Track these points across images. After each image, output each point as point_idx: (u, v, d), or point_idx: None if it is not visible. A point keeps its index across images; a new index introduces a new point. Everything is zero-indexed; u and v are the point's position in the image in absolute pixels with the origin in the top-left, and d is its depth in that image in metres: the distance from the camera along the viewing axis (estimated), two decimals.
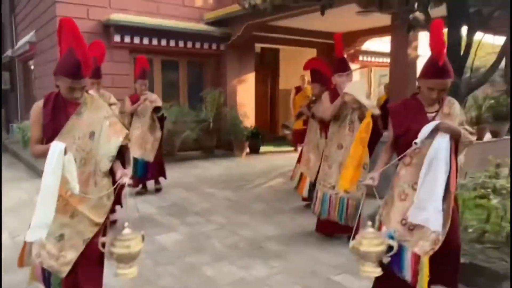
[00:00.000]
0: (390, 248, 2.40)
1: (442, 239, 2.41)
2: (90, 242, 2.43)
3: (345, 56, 12.29)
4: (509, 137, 6.69)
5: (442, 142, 2.44)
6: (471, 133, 2.59)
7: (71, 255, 2.40)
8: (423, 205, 2.46)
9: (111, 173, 2.47)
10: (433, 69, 2.48)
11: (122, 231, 2.27)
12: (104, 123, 2.46)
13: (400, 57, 5.99)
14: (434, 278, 2.47)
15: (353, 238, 2.44)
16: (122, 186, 2.41)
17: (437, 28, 2.49)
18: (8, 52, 12.54)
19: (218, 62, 9.69)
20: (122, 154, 2.54)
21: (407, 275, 2.50)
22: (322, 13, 5.30)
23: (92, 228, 2.44)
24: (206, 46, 9.24)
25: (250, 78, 10.00)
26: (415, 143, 2.44)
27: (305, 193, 5.07)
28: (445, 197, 2.46)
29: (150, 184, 5.96)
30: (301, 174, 5.16)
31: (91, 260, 2.46)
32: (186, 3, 9.06)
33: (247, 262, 3.57)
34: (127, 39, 8.20)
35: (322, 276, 3.32)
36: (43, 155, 2.27)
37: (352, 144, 3.20)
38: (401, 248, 2.50)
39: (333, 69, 4.15)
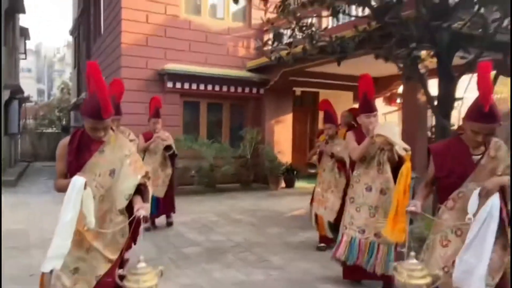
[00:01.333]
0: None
1: None
2: (102, 279, 2.47)
3: (382, 98, 12.85)
4: None
5: (491, 205, 2.32)
6: None
7: None
8: (469, 270, 2.33)
9: (131, 208, 2.49)
10: (479, 113, 2.40)
11: (137, 264, 2.26)
12: (125, 161, 2.53)
13: (410, 102, 6.60)
14: None
15: None
16: (139, 223, 2.38)
17: (484, 72, 2.41)
18: (83, 95, 14.54)
19: (258, 104, 10.74)
20: (141, 191, 2.56)
21: None
22: (339, 64, 6.15)
23: (105, 264, 2.49)
24: (247, 90, 10.37)
25: (287, 119, 10.92)
26: (469, 218, 2.33)
27: (328, 233, 5.00)
28: (499, 244, 2.39)
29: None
30: (316, 215, 5.16)
31: None
32: (230, 53, 10.33)
33: (250, 270, 4.31)
34: (178, 85, 9.53)
35: (311, 284, 3.97)
36: (65, 189, 2.33)
37: (398, 191, 3.17)
38: None
39: (360, 109, 4.01)
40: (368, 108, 3.87)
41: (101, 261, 2.47)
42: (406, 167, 3.20)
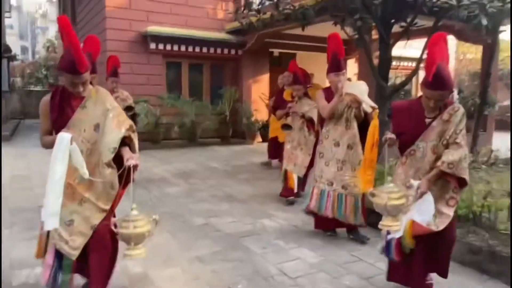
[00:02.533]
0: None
1: (433, 231, 2.60)
2: (98, 228, 2.53)
3: (354, 59, 13.62)
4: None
5: (428, 199, 2.58)
6: (458, 145, 2.60)
7: (80, 241, 2.51)
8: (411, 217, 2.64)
9: (119, 161, 2.50)
10: (427, 81, 2.57)
11: (131, 212, 2.33)
12: (108, 115, 2.53)
13: (363, 66, 7.49)
14: (430, 266, 2.75)
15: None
16: (129, 171, 2.44)
17: (431, 43, 2.62)
18: None
19: (236, 65, 11.50)
20: (127, 144, 2.56)
21: (392, 250, 2.75)
22: (303, 29, 6.94)
23: (98, 214, 2.54)
24: (226, 51, 11.09)
25: (264, 79, 11.73)
26: (411, 184, 2.62)
27: (295, 188, 5.34)
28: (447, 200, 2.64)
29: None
30: (286, 172, 5.43)
31: (101, 245, 2.56)
32: (209, 16, 10.95)
33: (219, 204, 5.34)
34: (160, 46, 10.22)
35: (266, 212, 5.02)
36: (51, 145, 2.41)
37: (367, 146, 3.39)
38: (390, 237, 2.75)
39: (329, 68, 4.05)
40: (336, 67, 3.94)
41: (94, 211, 2.53)
42: (373, 124, 3.35)
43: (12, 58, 16.22)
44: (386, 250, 2.82)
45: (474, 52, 18.80)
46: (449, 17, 5.72)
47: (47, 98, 2.56)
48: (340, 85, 3.89)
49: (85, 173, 2.36)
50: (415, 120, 2.73)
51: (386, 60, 5.69)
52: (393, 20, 5.78)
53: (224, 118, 10.87)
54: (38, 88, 21.03)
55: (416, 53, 6.83)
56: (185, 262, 3.46)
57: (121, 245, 2.48)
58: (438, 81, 2.53)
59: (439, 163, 2.58)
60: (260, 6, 7.10)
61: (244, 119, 10.95)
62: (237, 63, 11.49)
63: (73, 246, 2.50)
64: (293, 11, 6.75)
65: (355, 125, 3.97)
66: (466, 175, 2.60)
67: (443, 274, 2.82)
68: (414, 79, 14.37)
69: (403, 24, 5.76)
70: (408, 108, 2.84)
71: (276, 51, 12.63)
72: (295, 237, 4.16)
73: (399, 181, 2.76)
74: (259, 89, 11.58)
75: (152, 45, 10.12)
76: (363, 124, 3.86)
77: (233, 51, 11.19)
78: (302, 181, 5.34)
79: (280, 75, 7.75)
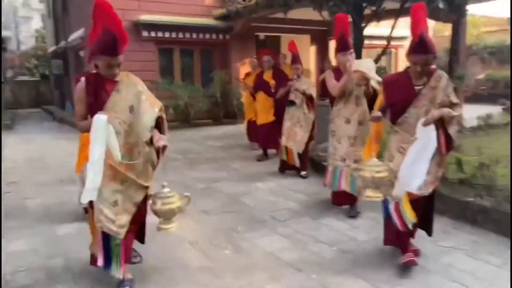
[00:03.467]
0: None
1: (426, 194, 2.85)
2: (140, 204, 2.70)
3: None
4: None
5: (427, 137, 2.75)
6: (455, 105, 2.82)
7: (125, 218, 2.64)
8: (406, 183, 2.80)
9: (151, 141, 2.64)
10: (413, 46, 2.78)
11: (162, 189, 2.51)
12: (141, 97, 2.63)
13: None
14: (420, 225, 3.03)
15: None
16: (158, 152, 2.62)
17: (413, 11, 2.83)
18: (62, 43, 15.45)
19: (225, 49, 12.12)
20: (158, 123, 2.70)
21: (397, 222, 2.94)
22: (285, 14, 7.62)
23: (141, 191, 2.68)
24: (214, 36, 11.69)
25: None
26: (415, 137, 2.75)
27: (296, 161, 5.61)
28: (436, 161, 2.84)
29: None
30: (286, 148, 5.66)
31: (142, 218, 2.83)
32: (197, 3, 11.50)
33: (217, 173, 6.10)
34: (152, 34, 10.80)
35: (260, 176, 5.80)
36: (88, 129, 2.50)
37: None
38: (387, 203, 2.96)
39: (337, 48, 4.16)
40: (344, 46, 4.04)
41: (137, 188, 2.66)
42: (380, 99, 3.39)
43: (4, 49, 16.56)
44: (387, 216, 3.03)
45: (439, 30, 19.59)
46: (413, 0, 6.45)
47: (82, 84, 2.64)
48: (349, 64, 3.97)
49: (118, 155, 2.45)
50: (405, 89, 2.91)
51: (359, 40, 6.43)
52: (364, 5, 6.50)
53: (215, 100, 11.56)
54: (28, 78, 21.31)
55: (386, 32, 7.54)
56: (194, 214, 4.23)
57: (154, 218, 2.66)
58: (423, 45, 2.74)
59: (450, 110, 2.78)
60: None
61: (235, 100, 11.63)
62: (226, 47, 12.11)
63: (120, 224, 2.61)
64: None
65: (364, 102, 4.05)
66: (455, 138, 2.88)
67: (430, 231, 3.17)
68: (388, 58, 15.17)
69: (373, 7, 6.49)
70: (397, 80, 3.03)
71: (261, 35, 13.25)
72: (283, 194, 4.96)
73: (392, 148, 2.98)
74: (247, 71, 12.23)
75: (145, 33, 10.69)
76: (372, 100, 3.89)
77: (221, 36, 11.80)
78: (302, 158, 5.62)
79: (247, 59, 8.35)
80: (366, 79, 3.81)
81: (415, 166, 2.79)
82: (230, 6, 8.26)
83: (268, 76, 6.76)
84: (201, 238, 3.71)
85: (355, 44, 6.53)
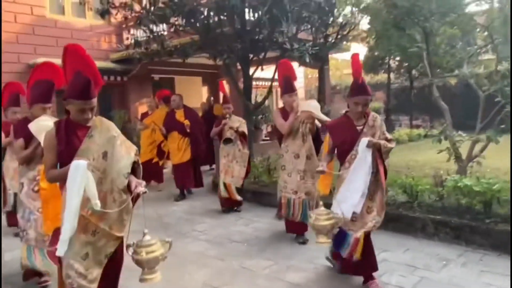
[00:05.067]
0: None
1: (378, 225, 3.18)
2: (112, 256, 2.59)
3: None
4: None
5: (365, 154, 3.10)
6: (390, 140, 3.26)
7: (97, 272, 2.53)
8: (344, 199, 3.15)
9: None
10: (356, 88, 3.18)
11: (143, 237, 2.42)
12: (115, 142, 2.55)
13: (233, 90, 9.70)
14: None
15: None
16: (138, 196, 2.54)
17: (355, 60, 3.30)
18: None
19: (123, 90, 12.81)
20: (134, 168, 2.61)
21: (345, 253, 3.25)
22: (183, 61, 8.78)
23: (113, 242, 2.58)
24: (112, 78, 12.34)
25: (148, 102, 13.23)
26: (355, 151, 3.12)
27: (236, 197, 5.86)
28: (378, 191, 3.17)
29: None
30: (225, 184, 5.87)
31: (116, 267, 2.69)
32: (94, 47, 12.09)
33: None
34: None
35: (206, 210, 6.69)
36: (61, 177, 2.42)
37: (324, 155, 3.62)
38: (346, 235, 3.23)
39: (283, 90, 4.52)
40: (290, 88, 4.47)
41: (108, 239, 2.55)
42: (328, 136, 3.60)
43: None
44: (338, 247, 3.34)
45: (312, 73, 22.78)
46: (288, 54, 8.21)
47: (52, 132, 2.53)
48: (295, 104, 4.38)
49: (97, 203, 2.35)
50: (348, 131, 3.27)
51: (247, 85, 7.93)
52: (251, 56, 8.06)
53: None
54: None
55: (269, 74, 9.22)
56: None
57: (135, 268, 2.51)
58: (364, 87, 3.20)
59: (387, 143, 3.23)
60: (146, 39, 8.64)
61: (135, 138, 12.27)
62: (124, 88, 12.80)
63: (91, 279, 2.50)
64: (175, 48, 8.60)
65: (310, 138, 4.44)
66: (387, 159, 3.29)
67: (375, 267, 3.39)
68: (271, 98, 17.35)
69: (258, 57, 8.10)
70: (341, 123, 3.39)
71: (156, 76, 14.24)
72: (198, 212, 5.96)
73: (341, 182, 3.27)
74: (145, 110, 13.03)
75: None
76: (316, 136, 4.48)
77: (119, 78, 12.49)
78: (239, 191, 5.91)
79: (145, 99, 9.03)
80: (312, 118, 4.27)
81: (351, 183, 3.15)
82: (132, 51, 9.14)
83: (179, 115, 6.96)
84: None
85: (245, 85, 8.03)
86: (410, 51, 5.82)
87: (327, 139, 3.56)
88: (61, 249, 2.41)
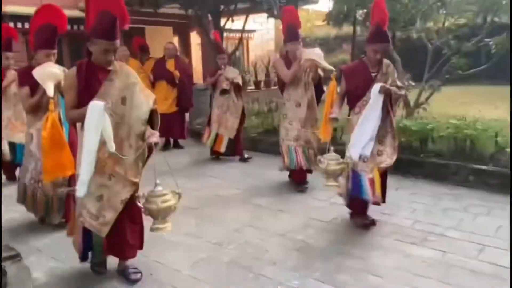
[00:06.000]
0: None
1: (388, 165, 3.31)
2: (129, 201, 2.53)
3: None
4: None
5: (377, 100, 3.19)
6: (400, 88, 3.34)
7: (110, 215, 2.49)
8: (354, 142, 3.27)
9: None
10: (377, 35, 3.20)
11: (155, 188, 2.41)
12: (134, 88, 2.53)
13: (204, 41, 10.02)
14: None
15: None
16: (151, 149, 2.54)
17: (381, 7, 3.25)
18: None
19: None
20: (150, 117, 2.59)
21: (367, 195, 3.32)
22: (155, 11, 8.98)
23: (129, 188, 2.54)
24: (82, 28, 12.29)
25: (120, 50, 13.31)
26: (367, 97, 3.19)
27: (223, 148, 5.98)
28: (388, 135, 3.28)
29: None
30: (217, 135, 5.99)
31: (130, 219, 2.62)
32: None
33: None
34: (19, 25, 10.99)
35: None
36: (80, 118, 2.39)
37: (327, 104, 3.74)
38: (359, 176, 3.31)
39: (287, 38, 4.45)
40: (294, 36, 4.39)
41: (124, 184, 2.51)
42: (332, 85, 3.74)
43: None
44: (357, 191, 3.41)
45: None
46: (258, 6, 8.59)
47: (72, 71, 2.53)
48: (299, 52, 4.31)
49: (112, 146, 2.33)
50: (363, 76, 3.33)
51: (219, 34, 8.29)
52: (221, 6, 8.41)
53: None
54: None
55: (240, 25, 9.59)
56: None
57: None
58: (383, 34, 3.23)
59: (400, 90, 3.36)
60: None
61: None
62: None
63: (103, 222, 2.48)
64: None
65: (312, 87, 4.48)
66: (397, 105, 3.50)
67: (384, 199, 3.63)
68: (241, 47, 17.63)
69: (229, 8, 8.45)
70: (356, 68, 3.44)
71: (126, 26, 14.18)
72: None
73: (354, 127, 3.36)
74: None
75: (11, 24, 10.80)
76: (317, 85, 4.54)
77: None
78: (235, 144, 6.01)
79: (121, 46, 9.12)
80: (316, 66, 4.30)
81: (362, 127, 3.24)
82: None
83: (170, 65, 6.79)
84: None
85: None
86: (368, 6, 6.32)
87: (332, 86, 3.66)
88: (81, 190, 2.40)
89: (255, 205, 4.39)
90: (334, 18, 10.83)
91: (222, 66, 5.97)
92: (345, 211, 3.88)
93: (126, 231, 2.61)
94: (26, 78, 3.46)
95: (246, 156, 6.09)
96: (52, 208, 3.63)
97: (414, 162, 5.05)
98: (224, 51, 6.12)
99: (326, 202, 4.38)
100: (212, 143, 6.03)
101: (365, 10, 15.06)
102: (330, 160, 3.26)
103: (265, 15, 9.36)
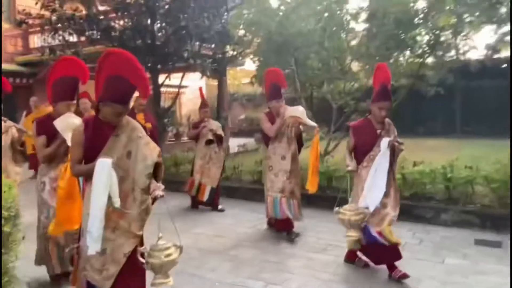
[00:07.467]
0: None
1: (395, 219, 3.43)
2: (131, 255, 2.52)
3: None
4: None
5: (386, 154, 3.38)
6: (401, 144, 3.53)
7: (113, 269, 2.48)
8: (369, 194, 3.38)
9: None
10: (382, 93, 3.42)
11: (157, 241, 2.42)
12: (140, 142, 2.57)
13: None
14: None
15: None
16: (155, 199, 2.58)
17: (384, 69, 3.56)
18: None
19: (29, 92, 13.13)
20: (154, 169, 2.59)
21: (380, 240, 3.46)
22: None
23: (132, 240, 2.55)
24: (18, 81, 12.63)
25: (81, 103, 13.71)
26: (374, 152, 3.37)
27: (205, 197, 6.11)
28: (392, 188, 3.44)
29: None
30: (200, 184, 6.12)
31: (133, 272, 2.56)
32: None
33: None
34: None
35: None
36: (88, 173, 2.44)
37: (312, 157, 4.06)
38: (367, 228, 3.46)
39: (271, 97, 4.75)
40: (277, 95, 4.71)
41: (127, 237, 2.53)
42: (316, 140, 4.10)
43: None
44: (371, 239, 3.53)
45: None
46: (193, 67, 9.76)
47: (80, 128, 2.59)
48: (282, 109, 4.64)
49: (117, 201, 2.38)
50: (369, 133, 3.57)
51: (157, 92, 9.30)
52: (159, 66, 9.46)
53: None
54: None
55: (177, 82, 10.61)
56: None
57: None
58: (388, 93, 3.49)
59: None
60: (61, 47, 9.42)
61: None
62: (30, 90, 13.13)
63: (106, 276, 2.49)
64: (89, 56, 9.55)
65: (295, 141, 4.74)
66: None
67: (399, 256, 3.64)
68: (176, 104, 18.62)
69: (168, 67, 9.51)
70: (362, 125, 3.67)
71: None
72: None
73: (363, 181, 3.51)
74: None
75: None
76: (298, 139, 4.83)
77: (24, 80, 12.82)
78: (216, 192, 6.21)
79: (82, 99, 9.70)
80: (299, 122, 4.64)
81: (376, 180, 3.39)
82: (45, 57, 9.84)
83: (140, 118, 6.61)
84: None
85: (155, 92, 9.37)
86: (285, 72, 7.71)
87: (316, 140, 4.19)
88: (94, 247, 2.41)
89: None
90: (259, 78, 12.32)
91: (205, 119, 6.31)
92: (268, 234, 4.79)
93: (129, 285, 2.61)
94: (44, 127, 3.53)
95: (219, 207, 6.34)
96: (63, 258, 3.57)
97: (322, 197, 6.21)
98: (207, 105, 6.45)
99: (254, 229, 5.32)
100: (195, 192, 6.26)
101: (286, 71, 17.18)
102: (349, 211, 3.45)
103: (198, 73, 10.53)
